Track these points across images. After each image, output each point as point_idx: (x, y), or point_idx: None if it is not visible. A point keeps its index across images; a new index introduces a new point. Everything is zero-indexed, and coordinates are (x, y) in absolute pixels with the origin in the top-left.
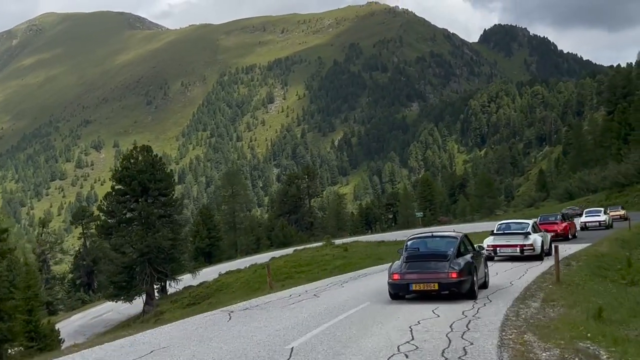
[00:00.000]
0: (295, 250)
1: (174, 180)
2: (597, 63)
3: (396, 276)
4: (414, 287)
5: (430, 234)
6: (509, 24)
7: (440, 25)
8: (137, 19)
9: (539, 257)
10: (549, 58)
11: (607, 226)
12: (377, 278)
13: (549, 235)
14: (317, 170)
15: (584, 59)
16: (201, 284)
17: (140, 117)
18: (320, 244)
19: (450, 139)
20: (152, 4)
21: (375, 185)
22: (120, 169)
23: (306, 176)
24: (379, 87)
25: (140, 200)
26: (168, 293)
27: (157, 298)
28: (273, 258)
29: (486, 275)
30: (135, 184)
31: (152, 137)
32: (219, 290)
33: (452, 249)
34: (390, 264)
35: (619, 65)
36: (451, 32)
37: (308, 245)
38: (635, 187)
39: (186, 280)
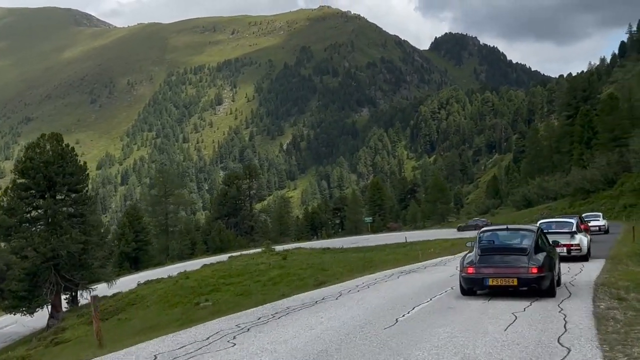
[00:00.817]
0: (230, 257)
1: (87, 174)
2: (545, 74)
3: (471, 270)
4: (490, 282)
5: (505, 227)
6: (460, 33)
7: (391, 32)
8: (85, 16)
9: (585, 258)
10: (499, 67)
11: (606, 231)
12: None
13: (589, 236)
14: (260, 171)
15: (533, 69)
16: (114, 295)
17: (83, 115)
18: (259, 250)
19: (400, 145)
20: (101, 1)
21: (324, 190)
22: (23, 160)
23: (247, 177)
24: (329, 92)
25: (46, 196)
26: (80, 304)
27: (64, 310)
28: (205, 265)
29: (560, 271)
30: (40, 178)
31: (95, 136)
32: (131, 304)
33: (530, 243)
34: (462, 254)
35: (569, 74)
36: (402, 39)
37: (246, 252)
38: (601, 194)
39: (101, 290)
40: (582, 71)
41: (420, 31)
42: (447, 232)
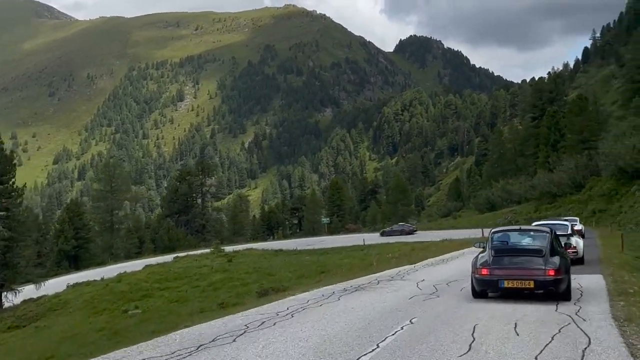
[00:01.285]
0: (175, 258)
1: (14, 164)
2: (508, 79)
3: (485, 271)
4: (505, 284)
5: (518, 227)
6: (425, 36)
7: (357, 34)
8: (46, 8)
9: (581, 261)
10: (462, 71)
11: (582, 236)
12: None
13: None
14: (215, 167)
15: (496, 74)
16: (39, 298)
17: (41, 108)
18: (207, 250)
19: (362, 146)
20: None
21: (285, 190)
22: None
23: (200, 173)
24: (293, 91)
25: None
26: (4, 307)
27: None
28: (147, 266)
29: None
30: None
31: (52, 129)
32: (52, 310)
33: (546, 244)
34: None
35: (532, 79)
36: (367, 40)
37: (194, 252)
38: (568, 197)
39: (29, 292)
40: (549, 72)
41: (386, 34)
42: (406, 236)
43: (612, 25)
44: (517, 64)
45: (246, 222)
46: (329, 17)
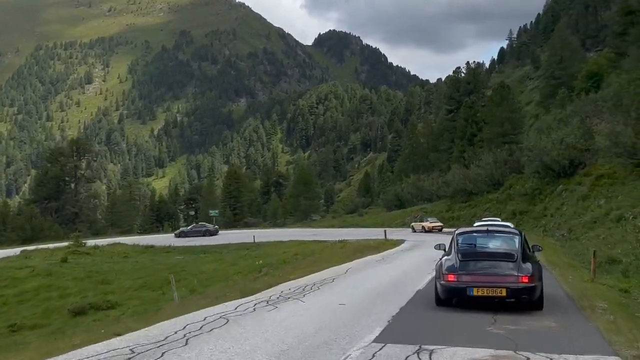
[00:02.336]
0: (24, 252)
1: None
2: (425, 79)
3: (452, 277)
4: (475, 291)
5: (485, 229)
6: (344, 31)
7: (276, 25)
8: None
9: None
10: (379, 69)
11: None
12: None
13: None
14: (93, 147)
15: (412, 73)
16: None
17: None
18: (66, 243)
19: (276, 139)
20: None
21: (193, 180)
22: None
23: (74, 154)
24: (207, 79)
25: None
26: None
27: None
28: None
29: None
30: None
31: None
32: None
33: (517, 248)
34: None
35: (449, 76)
36: (286, 32)
37: (47, 245)
38: (485, 196)
39: None
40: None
41: (306, 28)
42: (304, 233)
43: (529, 27)
44: (434, 66)
45: (133, 212)
46: (248, 7)
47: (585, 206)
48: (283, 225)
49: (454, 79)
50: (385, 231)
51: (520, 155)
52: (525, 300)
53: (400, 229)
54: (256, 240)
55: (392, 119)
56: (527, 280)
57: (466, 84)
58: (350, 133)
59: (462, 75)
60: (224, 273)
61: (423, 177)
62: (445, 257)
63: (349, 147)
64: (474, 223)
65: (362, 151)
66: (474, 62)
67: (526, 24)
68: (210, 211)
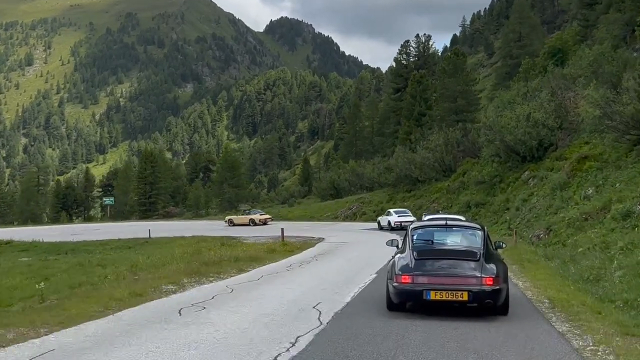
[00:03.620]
0: None
1: None
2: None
3: (406, 279)
4: (432, 295)
5: (443, 222)
6: (296, 19)
7: (226, 10)
8: None
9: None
10: (331, 57)
11: None
12: None
13: None
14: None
15: (364, 63)
16: None
17: None
18: None
19: (221, 125)
20: None
21: (134, 167)
22: None
23: None
24: (153, 63)
25: None
26: None
27: None
28: None
29: None
30: None
31: None
32: None
33: (480, 245)
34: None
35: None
36: (237, 18)
37: None
38: (433, 185)
39: None
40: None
41: (258, 16)
42: (218, 226)
43: (482, 14)
44: (386, 57)
45: (40, 199)
46: None
47: (564, 197)
48: (204, 215)
49: (402, 53)
50: (282, 230)
51: (476, 135)
52: (489, 305)
53: (332, 223)
54: (151, 236)
55: (341, 105)
56: (491, 282)
57: (415, 59)
58: (298, 120)
59: (412, 48)
60: (66, 292)
61: (363, 163)
62: (399, 255)
63: (297, 134)
64: (423, 216)
65: (309, 139)
66: (425, 34)
67: (479, 10)
68: (105, 199)
